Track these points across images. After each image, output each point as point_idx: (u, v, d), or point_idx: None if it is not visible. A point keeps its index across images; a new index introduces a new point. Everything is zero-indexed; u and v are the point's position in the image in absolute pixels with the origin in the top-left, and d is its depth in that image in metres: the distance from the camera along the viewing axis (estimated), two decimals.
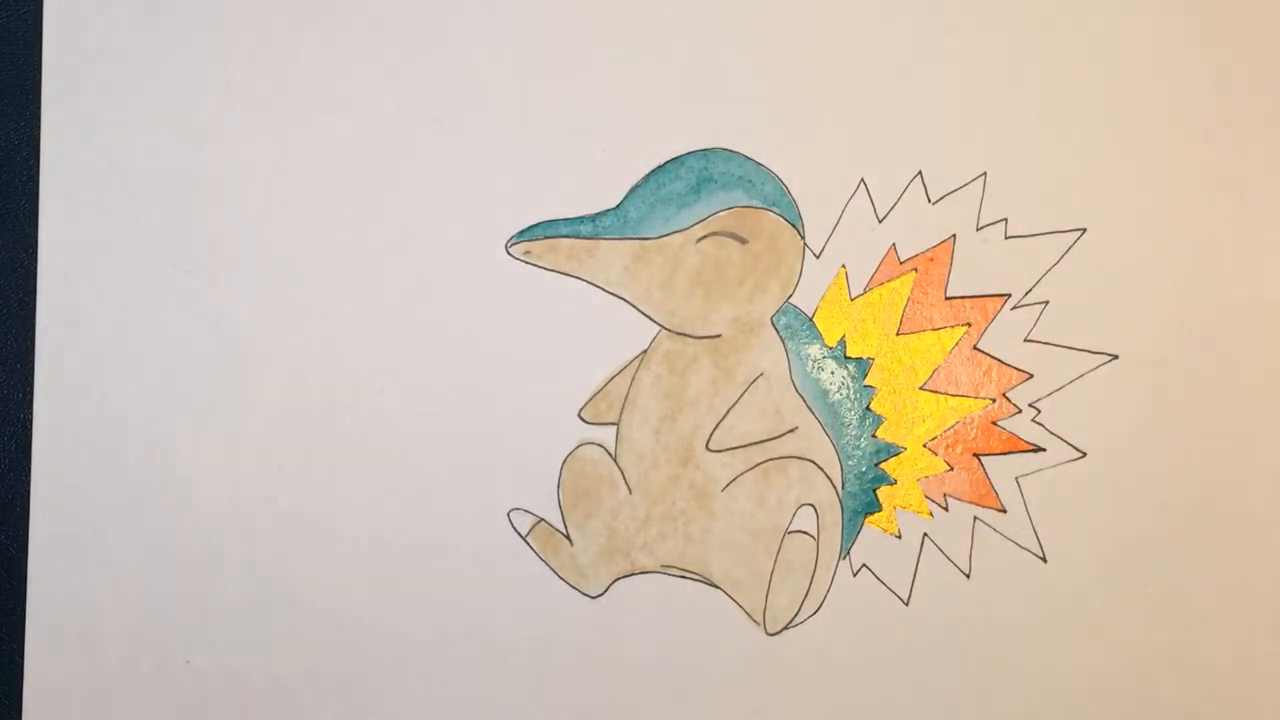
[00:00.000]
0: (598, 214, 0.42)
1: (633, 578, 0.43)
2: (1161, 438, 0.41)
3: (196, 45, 0.43)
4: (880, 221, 0.42)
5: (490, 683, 0.43)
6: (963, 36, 0.41)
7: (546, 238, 0.42)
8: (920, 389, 0.42)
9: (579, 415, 0.42)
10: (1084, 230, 0.41)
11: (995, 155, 0.41)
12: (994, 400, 0.42)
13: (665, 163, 0.41)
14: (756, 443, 0.42)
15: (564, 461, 0.42)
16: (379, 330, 0.42)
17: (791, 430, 0.42)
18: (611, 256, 0.42)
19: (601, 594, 0.42)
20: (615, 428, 0.42)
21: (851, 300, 0.42)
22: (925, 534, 0.42)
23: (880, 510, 0.42)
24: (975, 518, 0.42)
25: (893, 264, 0.42)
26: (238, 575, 0.43)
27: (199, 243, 0.42)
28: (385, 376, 0.42)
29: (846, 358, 0.42)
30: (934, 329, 0.42)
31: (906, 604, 0.42)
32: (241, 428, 0.42)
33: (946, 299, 0.42)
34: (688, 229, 0.41)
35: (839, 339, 0.42)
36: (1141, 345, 0.41)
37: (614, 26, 0.42)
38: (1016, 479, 0.42)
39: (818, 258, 0.42)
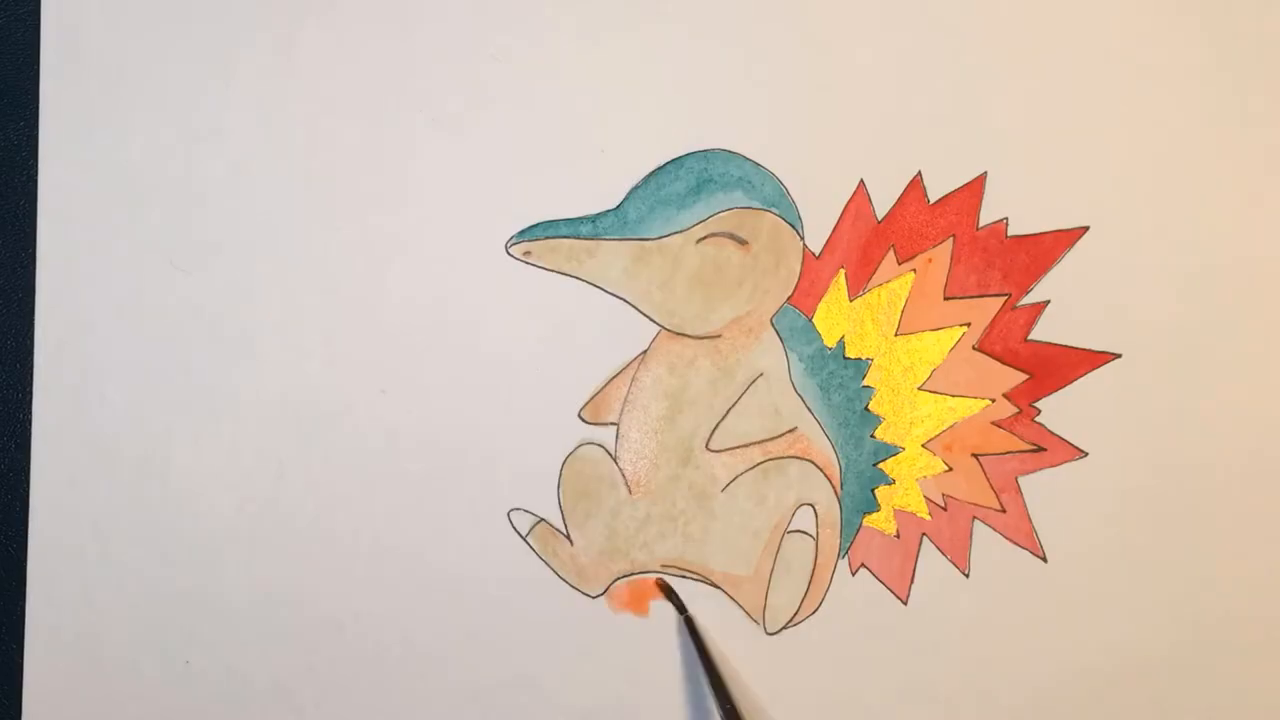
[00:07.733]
0: (598, 214, 0.42)
1: (632, 577, 0.43)
2: (1162, 438, 0.41)
3: (196, 45, 0.42)
4: (880, 221, 0.42)
5: (491, 682, 0.43)
6: (962, 36, 0.41)
7: (547, 238, 0.42)
8: (919, 389, 0.42)
9: (579, 415, 0.42)
10: (1086, 229, 0.41)
11: (995, 155, 0.41)
12: (993, 400, 0.42)
13: (665, 163, 0.41)
14: (756, 443, 0.42)
15: (564, 461, 0.42)
16: (379, 330, 0.42)
17: (791, 430, 0.42)
18: (611, 257, 0.42)
19: (601, 594, 0.42)
20: (615, 428, 0.42)
21: (850, 301, 0.42)
22: (924, 534, 0.42)
23: (879, 510, 0.42)
24: (974, 518, 0.42)
25: (892, 264, 0.42)
26: (238, 576, 0.43)
27: (199, 243, 0.42)
28: (385, 377, 0.42)
29: (845, 358, 0.42)
30: (933, 329, 0.42)
31: (905, 603, 0.42)
32: (241, 428, 0.42)
33: (946, 299, 0.42)
34: (687, 230, 0.41)
35: (838, 339, 0.42)
36: (1142, 345, 0.41)
37: (614, 27, 0.42)
38: (1016, 479, 0.42)
39: (817, 258, 0.42)
